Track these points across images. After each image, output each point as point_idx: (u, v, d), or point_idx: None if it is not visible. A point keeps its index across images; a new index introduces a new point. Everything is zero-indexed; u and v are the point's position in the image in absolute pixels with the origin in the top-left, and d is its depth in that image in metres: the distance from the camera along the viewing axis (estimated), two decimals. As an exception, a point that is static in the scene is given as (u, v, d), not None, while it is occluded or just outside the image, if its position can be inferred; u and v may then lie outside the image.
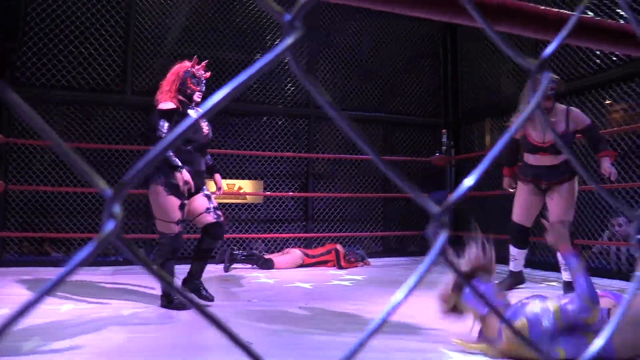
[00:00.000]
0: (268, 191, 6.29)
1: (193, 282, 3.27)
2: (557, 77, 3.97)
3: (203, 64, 3.42)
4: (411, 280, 0.34)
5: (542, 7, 0.58)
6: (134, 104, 5.75)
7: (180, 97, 3.28)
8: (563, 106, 3.93)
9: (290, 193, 6.42)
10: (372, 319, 2.04)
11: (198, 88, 3.32)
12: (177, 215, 3.16)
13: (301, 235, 6.38)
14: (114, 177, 5.60)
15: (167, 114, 3.19)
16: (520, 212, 4.04)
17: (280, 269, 5.36)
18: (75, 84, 5.60)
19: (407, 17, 6.58)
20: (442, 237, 0.33)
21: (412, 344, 2.37)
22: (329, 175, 6.66)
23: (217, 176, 3.60)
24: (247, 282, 4.42)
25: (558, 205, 3.87)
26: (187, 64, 3.35)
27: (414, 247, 7.00)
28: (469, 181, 0.37)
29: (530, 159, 3.97)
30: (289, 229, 6.43)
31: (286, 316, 3.02)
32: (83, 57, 5.61)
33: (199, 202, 3.32)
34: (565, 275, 3.86)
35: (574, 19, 0.47)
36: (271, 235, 6.22)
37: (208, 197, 3.37)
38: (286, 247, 6.00)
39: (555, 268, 4.80)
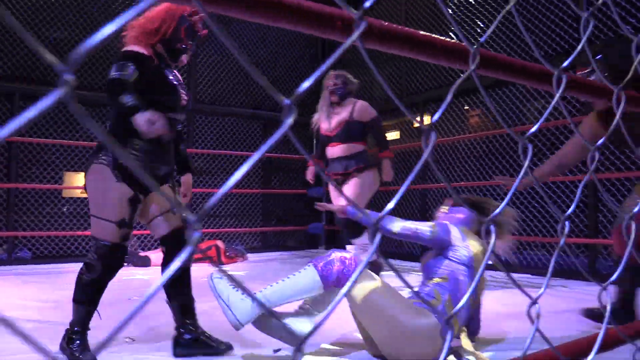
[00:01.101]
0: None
1: (187, 329, 2.18)
2: (342, 73, 4.17)
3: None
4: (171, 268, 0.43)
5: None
6: (-8, 90, 5.32)
7: (160, 50, 2.15)
8: (356, 100, 4.17)
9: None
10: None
11: (191, 44, 2.19)
12: (124, 211, 2.04)
13: (179, 230, 6.28)
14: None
15: (134, 59, 2.01)
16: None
17: (157, 265, 5.26)
18: None
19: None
20: (195, 236, 0.43)
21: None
22: (207, 170, 6.63)
23: (186, 178, 2.46)
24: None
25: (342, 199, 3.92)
26: (185, 7, 2.14)
27: (293, 242, 7.19)
28: (223, 189, 0.47)
29: (328, 152, 4.18)
30: (166, 224, 6.30)
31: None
32: None
33: (158, 198, 2.21)
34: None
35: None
36: (148, 231, 6.06)
37: (173, 188, 2.33)
38: (162, 243, 5.88)
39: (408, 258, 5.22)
